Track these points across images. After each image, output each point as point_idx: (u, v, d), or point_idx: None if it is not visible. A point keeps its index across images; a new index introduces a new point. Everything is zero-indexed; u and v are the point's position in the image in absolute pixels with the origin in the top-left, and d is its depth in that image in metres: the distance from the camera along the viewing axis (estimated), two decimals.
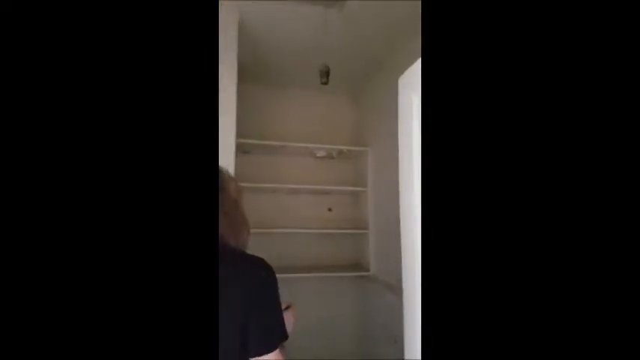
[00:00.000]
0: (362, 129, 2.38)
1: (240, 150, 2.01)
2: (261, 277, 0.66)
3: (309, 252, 2.28)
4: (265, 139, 2.12)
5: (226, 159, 1.43)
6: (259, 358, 0.62)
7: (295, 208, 2.30)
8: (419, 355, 0.71)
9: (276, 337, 0.65)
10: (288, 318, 0.73)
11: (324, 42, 1.55)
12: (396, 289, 1.67)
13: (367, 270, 2.13)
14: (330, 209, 2.37)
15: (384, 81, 2.02)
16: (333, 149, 2.26)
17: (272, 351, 0.63)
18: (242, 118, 1.77)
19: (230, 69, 1.51)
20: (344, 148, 2.27)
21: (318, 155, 2.31)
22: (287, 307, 0.78)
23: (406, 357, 0.80)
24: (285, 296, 0.71)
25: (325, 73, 1.28)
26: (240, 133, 1.66)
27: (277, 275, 0.68)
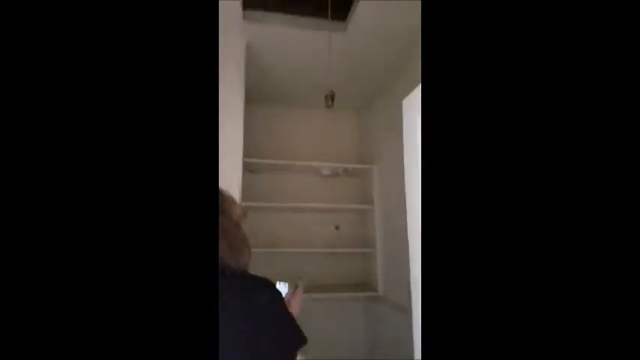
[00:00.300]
0: (367, 147, 2.39)
1: (247, 169, 2.02)
2: (266, 294, 0.68)
3: (315, 271, 2.25)
4: (272, 158, 2.14)
5: (233, 178, 1.44)
6: None
7: (302, 226, 2.29)
8: None
9: (293, 346, 0.67)
10: (296, 300, 0.77)
11: (329, 63, 1.60)
12: (404, 309, 1.64)
13: (375, 290, 2.09)
14: (337, 227, 2.36)
15: (388, 100, 2.05)
16: (339, 167, 2.27)
17: None
18: (249, 138, 1.80)
19: (237, 90, 1.54)
20: (349, 166, 2.27)
21: (323, 173, 2.32)
22: (295, 289, 0.81)
23: None
24: None
25: (330, 97, 1.35)
26: (246, 153, 1.68)
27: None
